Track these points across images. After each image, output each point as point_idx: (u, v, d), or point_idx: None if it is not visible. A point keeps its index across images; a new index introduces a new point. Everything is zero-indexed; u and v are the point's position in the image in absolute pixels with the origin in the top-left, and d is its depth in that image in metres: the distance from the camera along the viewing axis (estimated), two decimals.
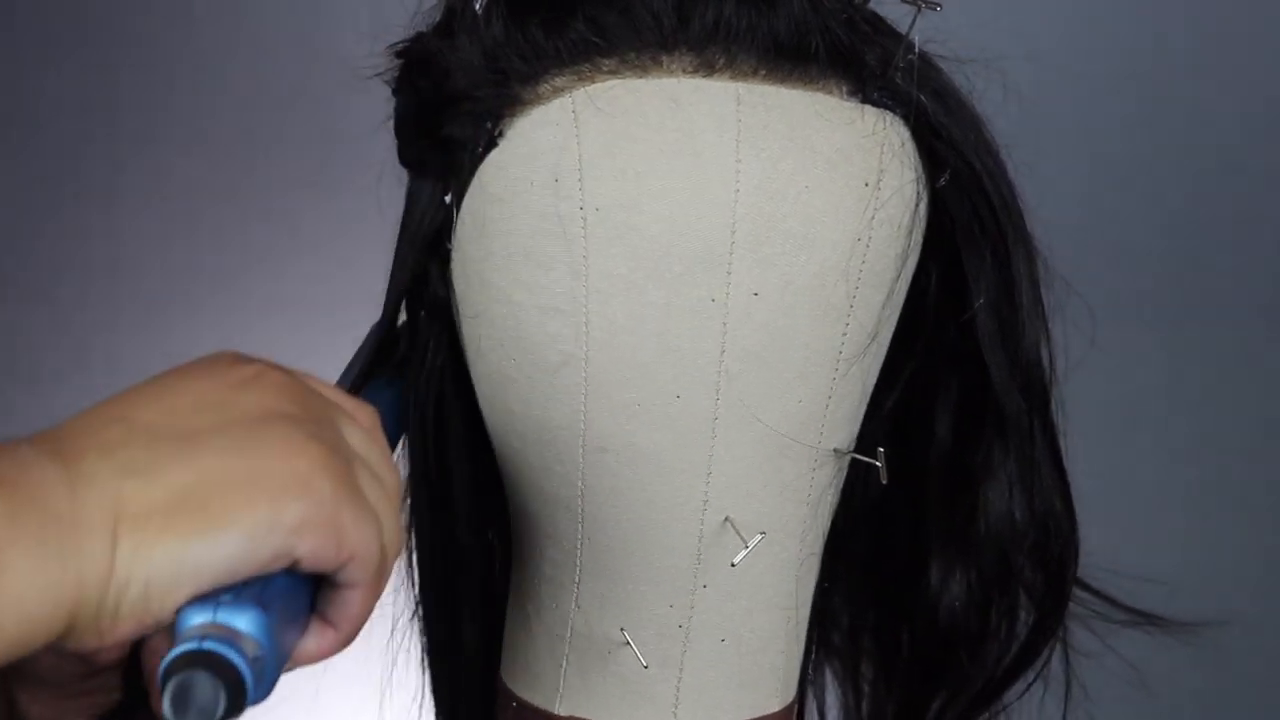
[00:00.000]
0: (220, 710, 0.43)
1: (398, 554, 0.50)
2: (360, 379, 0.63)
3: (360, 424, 0.51)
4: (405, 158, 0.63)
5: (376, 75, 0.64)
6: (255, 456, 0.45)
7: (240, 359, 0.49)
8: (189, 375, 0.48)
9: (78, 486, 0.42)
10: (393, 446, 0.62)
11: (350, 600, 0.48)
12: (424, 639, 0.71)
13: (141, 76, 1.62)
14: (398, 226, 0.65)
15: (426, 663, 0.71)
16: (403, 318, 0.65)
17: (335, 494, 0.46)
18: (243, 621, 0.44)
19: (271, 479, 0.45)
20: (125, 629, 0.43)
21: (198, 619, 0.44)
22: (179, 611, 0.44)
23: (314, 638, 0.49)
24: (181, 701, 0.43)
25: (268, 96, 1.60)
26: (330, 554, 0.46)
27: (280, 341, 1.38)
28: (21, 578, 0.40)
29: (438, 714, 0.72)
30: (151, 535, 0.43)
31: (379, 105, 0.64)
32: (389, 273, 0.65)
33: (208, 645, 0.43)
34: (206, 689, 0.43)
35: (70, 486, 0.42)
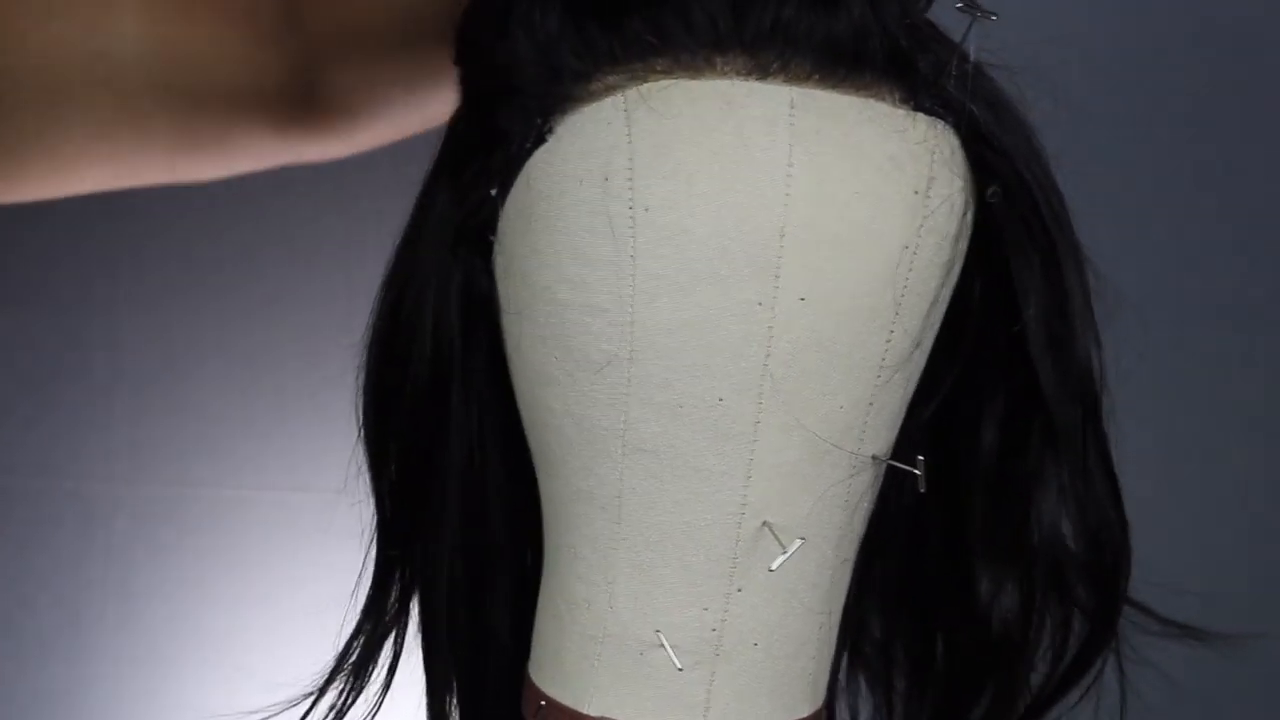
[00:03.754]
0: None
1: None
2: None
3: None
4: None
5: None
6: None
7: None
8: None
9: None
10: None
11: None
12: (451, 633, 0.70)
13: None
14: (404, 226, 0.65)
15: (455, 657, 0.71)
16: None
17: None
18: None
19: None
20: None
21: None
22: None
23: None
24: None
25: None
26: None
27: (281, 341, 1.38)
28: None
29: (462, 710, 0.72)
30: None
31: None
32: (397, 260, 0.65)
33: None
34: None
35: None
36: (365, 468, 0.68)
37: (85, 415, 1.40)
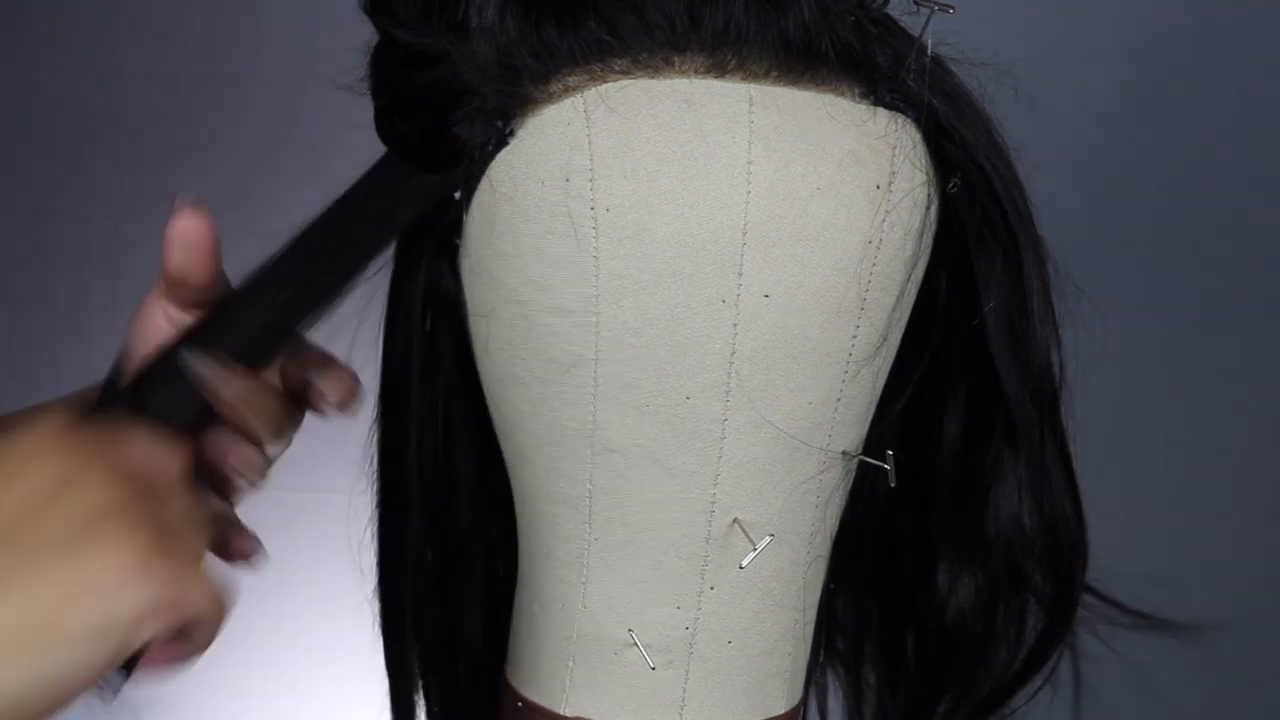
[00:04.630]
0: None
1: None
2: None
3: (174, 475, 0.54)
4: (398, 144, 0.62)
5: (365, 75, 0.63)
6: (84, 563, 0.48)
7: (66, 443, 0.52)
8: (15, 473, 0.50)
9: None
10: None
11: (196, 636, 0.52)
12: (421, 636, 0.71)
13: (142, 77, 1.62)
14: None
15: (420, 661, 0.71)
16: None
17: (170, 575, 0.50)
18: None
19: (104, 580, 0.48)
20: None
21: None
22: None
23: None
24: None
25: (268, 97, 1.60)
26: (173, 626, 0.50)
27: None
28: None
29: (431, 711, 0.72)
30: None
31: None
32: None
33: None
34: None
35: None
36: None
37: None
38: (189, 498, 0.55)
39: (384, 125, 0.62)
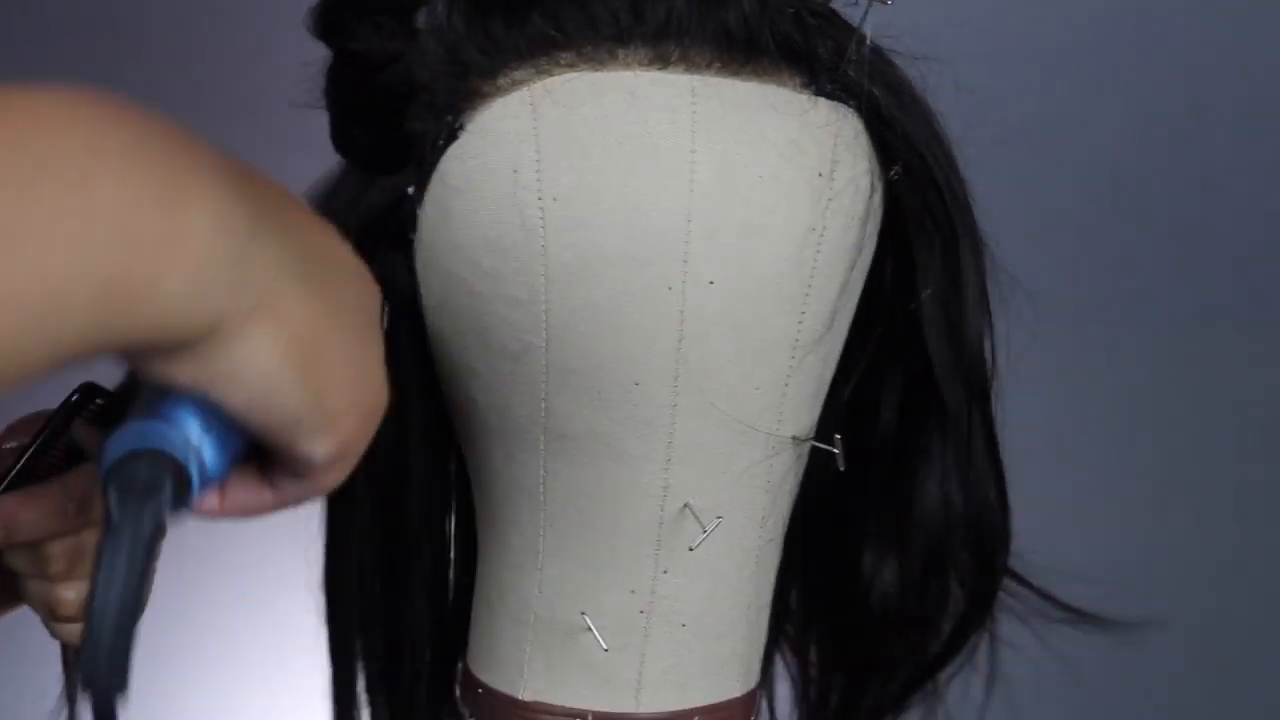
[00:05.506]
0: (167, 492, 0.43)
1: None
2: None
3: None
4: (355, 153, 0.63)
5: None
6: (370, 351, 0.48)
7: None
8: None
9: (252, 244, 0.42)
10: None
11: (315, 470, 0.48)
12: (368, 629, 0.71)
13: (142, 77, 1.63)
14: None
15: (368, 642, 0.72)
16: None
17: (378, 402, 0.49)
18: (194, 433, 0.45)
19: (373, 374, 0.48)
20: (186, 376, 0.42)
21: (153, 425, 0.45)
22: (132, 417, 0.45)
23: (250, 491, 0.50)
24: (127, 485, 0.43)
25: (267, 97, 1.61)
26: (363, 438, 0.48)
27: None
28: (199, 266, 0.40)
29: (376, 699, 0.73)
30: (271, 343, 0.43)
31: None
32: None
33: (153, 443, 0.44)
34: (153, 471, 0.44)
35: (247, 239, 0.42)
36: None
37: None
38: None
39: (341, 136, 0.63)
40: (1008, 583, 0.69)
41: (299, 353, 0.43)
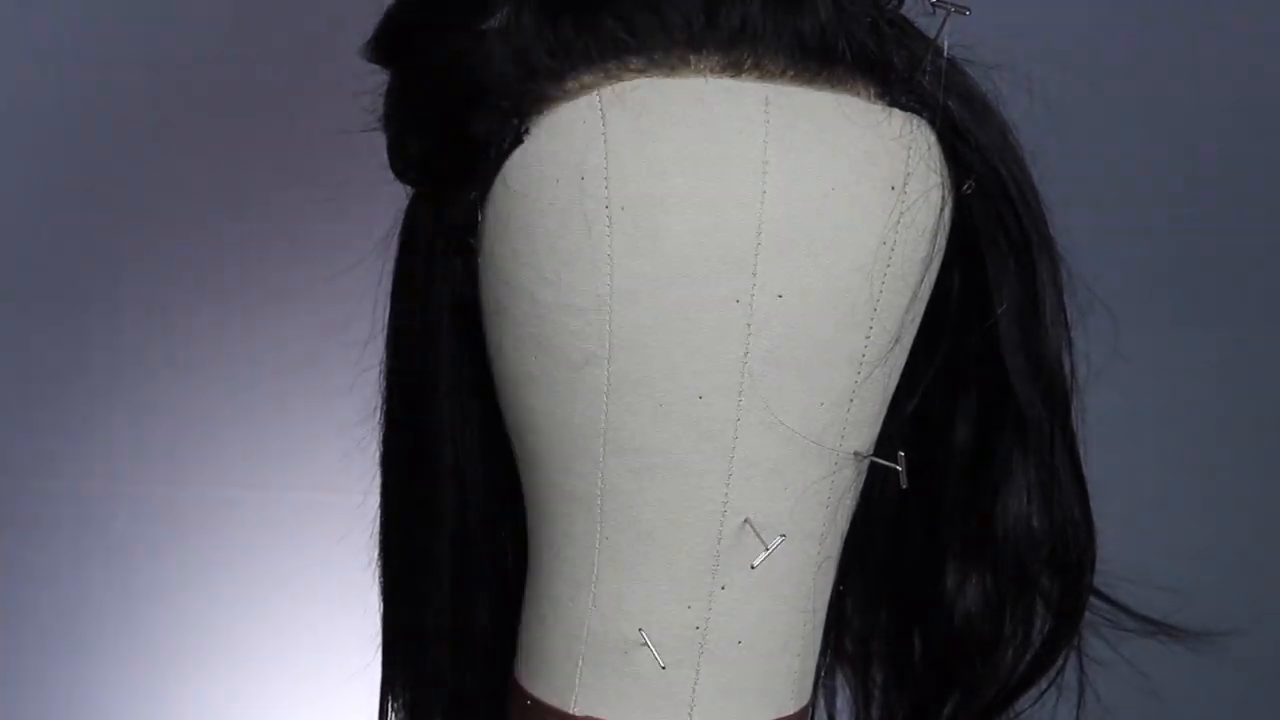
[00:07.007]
0: None
1: None
2: None
3: None
4: (413, 168, 0.62)
5: (380, 69, 0.63)
6: None
7: None
8: None
9: None
10: None
11: None
12: (423, 636, 0.71)
13: (141, 77, 1.62)
14: (398, 226, 0.65)
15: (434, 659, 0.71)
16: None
17: None
18: None
19: None
20: None
21: None
22: None
23: None
24: None
25: (268, 96, 1.60)
26: None
27: (281, 341, 1.38)
28: None
29: (447, 713, 0.72)
30: None
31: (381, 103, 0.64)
32: (396, 272, 0.65)
33: None
34: None
35: None
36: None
37: (85, 415, 1.40)
38: None
39: (397, 153, 0.62)
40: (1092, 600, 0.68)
41: None
